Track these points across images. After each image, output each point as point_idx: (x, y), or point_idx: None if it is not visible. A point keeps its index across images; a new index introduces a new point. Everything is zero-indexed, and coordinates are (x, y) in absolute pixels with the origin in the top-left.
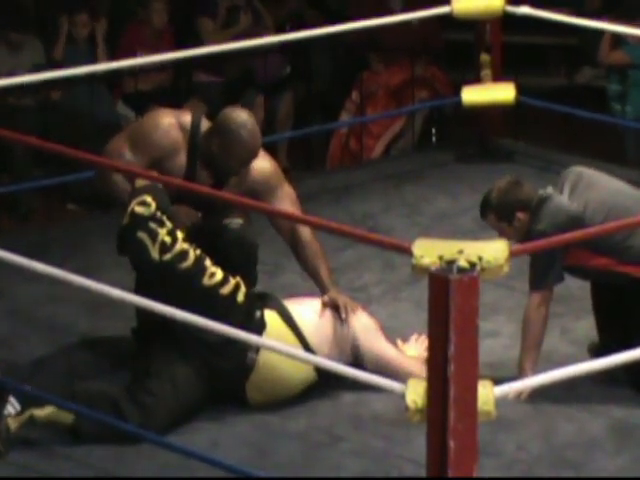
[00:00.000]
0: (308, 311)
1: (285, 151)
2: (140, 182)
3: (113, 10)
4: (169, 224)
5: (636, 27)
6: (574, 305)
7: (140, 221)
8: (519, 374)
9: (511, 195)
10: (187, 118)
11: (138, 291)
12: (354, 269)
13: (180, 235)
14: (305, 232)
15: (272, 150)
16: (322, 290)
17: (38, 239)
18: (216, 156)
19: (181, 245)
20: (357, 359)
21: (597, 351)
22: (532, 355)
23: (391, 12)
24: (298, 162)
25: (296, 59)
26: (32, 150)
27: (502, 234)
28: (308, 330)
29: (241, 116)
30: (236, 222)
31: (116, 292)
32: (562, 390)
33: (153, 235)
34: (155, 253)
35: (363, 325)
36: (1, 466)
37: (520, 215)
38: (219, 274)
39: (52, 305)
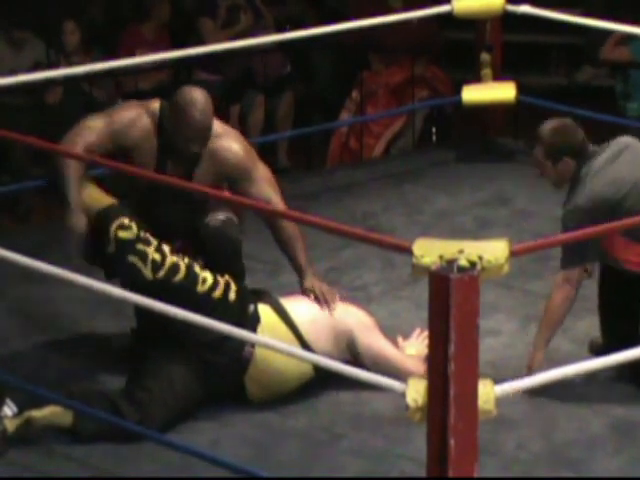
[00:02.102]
0: (302, 306)
1: (285, 150)
2: (103, 201)
3: (113, 10)
4: (154, 241)
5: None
6: (574, 305)
7: (127, 246)
8: (533, 351)
9: (565, 137)
10: (156, 105)
11: (136, 308)
12: (354, 268)
13: (167, 248)
14: (281, 224)
15: (272, 149)
16: (298, 275)
17: (38, 239)
18: (170, 136)
19: (171, 259)
20: (354, 356)
21: (599, 350)
22: (546, 334)
23: (391, 11)
24: (298, 161)
25: (296, 59)
26: (31, 150)
27: (543, 172)
28: (302, 324)
29: (191, 94)
30: (217, 219)
31: (116, 291)
32: (562, 389)
33: (143, 256)
34: (148, 273)
35: (359, 321)
36: (1, 466)
37: (567, 159)
38: (209, 278)
39: (52, 305)
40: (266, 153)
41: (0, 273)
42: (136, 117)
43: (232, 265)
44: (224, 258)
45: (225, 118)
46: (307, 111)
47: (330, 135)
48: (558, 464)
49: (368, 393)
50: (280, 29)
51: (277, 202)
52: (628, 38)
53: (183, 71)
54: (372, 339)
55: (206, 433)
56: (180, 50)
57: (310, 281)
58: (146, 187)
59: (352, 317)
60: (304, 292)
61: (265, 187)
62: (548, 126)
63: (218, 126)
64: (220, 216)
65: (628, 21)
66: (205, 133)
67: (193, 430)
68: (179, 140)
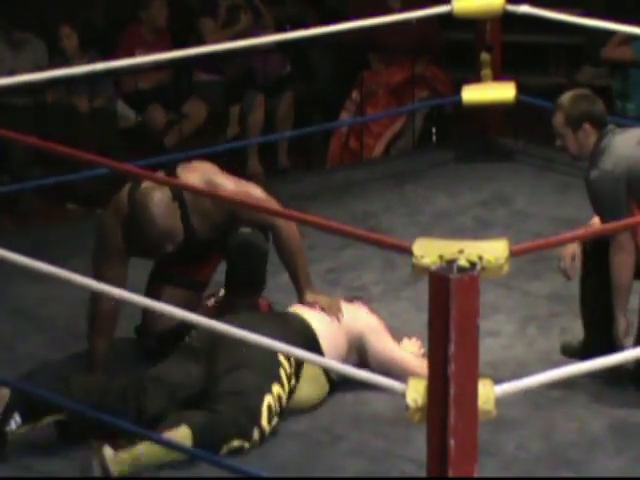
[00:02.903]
0: (316, 316)
1: (285, 151)
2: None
3: (112, 10)
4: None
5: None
6: (574, 305)
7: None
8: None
9: (587, 104)
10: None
11: None
12: (354, 268)
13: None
14: (284, 229)
15: (272, 149)
16: (297, 291)
17: (38, 239)
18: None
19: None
20: (362, 359)
21: (576, 351)
22: (620, 302)
23: (391, 11)
24: (298, 161)
25: (296, 59)
26: (32, 150)
27: (562, 140)
28: (320, 335)
29: (144, 205)
30: (247, 229)
31: (116, 291)
32: (562, 389)
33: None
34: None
35: (369, 326)
36: (1, 466)
37: (587, 126)
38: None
39: (52, 305)
40: (266, 153)
41: (0, 273)
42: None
43: (255, 272)
44: (248, 265)
45: (225, 118)
46: (307, 111)
47: (330, 135)
48: (558, 464)
49: (368, 393)
50: (280, 29)
51: (279, 221)
52: (631, 38)
53: (183, 71)
54: (381, 342)
55: None
56: (180, 50)
57: (310, 297)
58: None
59: (362, 321)
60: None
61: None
62: (569, 94)
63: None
64: (247, 229)
65: (629, 21)
66: (170, 235)
67: None
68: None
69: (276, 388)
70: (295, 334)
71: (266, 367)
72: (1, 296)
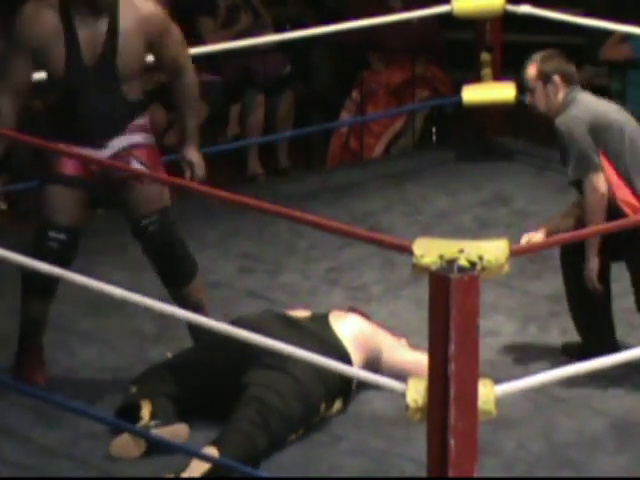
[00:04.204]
0: (347, 325)
1: (285, 150)
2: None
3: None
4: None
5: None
6: None
7: None
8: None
9: (558, 60)
10: None
11: None
12: (354, 268)
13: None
14: (191, 73)
15: (272, 149)
16: (184, 138)
17: None
18: None
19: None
20: (374, 368)
21: (576, 351)
22: (593, 241)
23: (391, 11)
24: (298, 161)
25: (296, 58)
26: (31, 150)
27: (532, 95)
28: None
29: None
30: (153, 219)
31: (117, 291)
32: (562, 389)
33: None
34: None
35: (388, 344)
36: (1, 466)
37: (557, 80)
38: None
39: (52, 305)
40: (266, 153)
41: (0, 273)
42: (36, 13)
43: (179, 266)
44: (169, 263)
45: (225, 118)
46: (307, 111)
47: (330, 135)
48: (558, 464)
49: (368, 393)
50: (280, 29)
51: (189, 66)
52: (629, 36)
53: None
54: (396, 357)
55: (207, 434)
56: None
57: (192, 152)
58: (65, 78)
59: (381, 338)
60: (182, 159)
61: (181, 46)
62: (542, 51)
63: None
64: (153, 214)
65: (629, 20)
66: None
67: (193, 430)
68: None
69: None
70: (329, 354)
71: (302, 416)
72: (1, 296)
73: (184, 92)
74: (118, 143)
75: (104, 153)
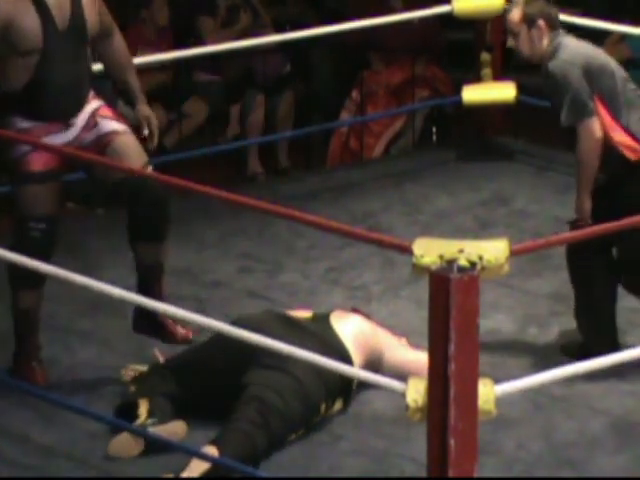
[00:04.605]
0: (348, 326)
1: (285, 150)
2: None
3: (112, 10)
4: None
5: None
6: (573, 305)
7: None
8: (577, 212)
9: (542, 4)
10: None
11: None
12: (354, 268)
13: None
14: (120, 35)
15: (272, 149)
16: (132, 98)
17: None
18: None
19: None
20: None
21: (580, 349)
22: (586, 183)
23: (393, 11)
24: (298, 161)
25: (296, 58)
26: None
27: (515, 39)
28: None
29: None
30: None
31: (116, 291)
32: (562, 388)
33: None
34: None
35: (389, 344)
36: (1, 466)
37: (541, 24)
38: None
39: (52, 305)
40: (266, 153)
41: (0, 273)
42: None
43: (165, 221)
44: (157, 217)
45: (225, 118)
46: (307, 111)
47: (330, 135)
48: (558, 464)
49: (368, 393)
50: (280, 29)
51: (117, 29)
52: (627, 35)
53: (183, 71)
54: (398, 357)
55: (206, 433)
56: (180, 50)
57: (144, 108)
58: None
59: (383, 338)
60: (137, 116)
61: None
62: None
63: None
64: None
65: (627, 20)
66: None
67: (193, 430)
68: None
69: (302, 432)
70: (330, 354)
71: (303, 416)
72: (1, 296)
73: (120, 49)
74: (84, 114)
75: (75, 127)
